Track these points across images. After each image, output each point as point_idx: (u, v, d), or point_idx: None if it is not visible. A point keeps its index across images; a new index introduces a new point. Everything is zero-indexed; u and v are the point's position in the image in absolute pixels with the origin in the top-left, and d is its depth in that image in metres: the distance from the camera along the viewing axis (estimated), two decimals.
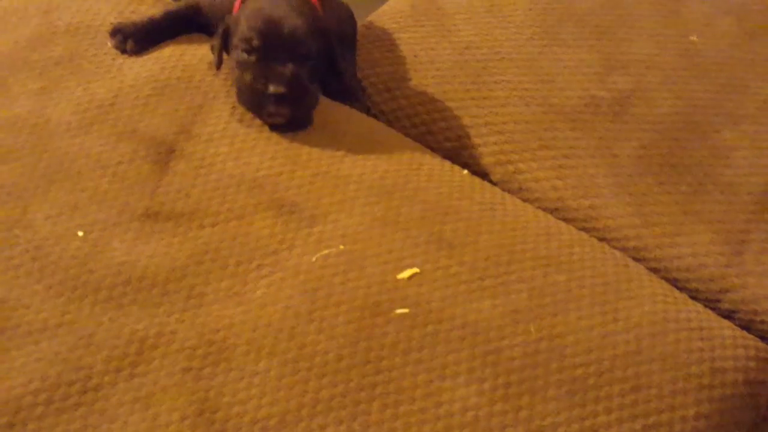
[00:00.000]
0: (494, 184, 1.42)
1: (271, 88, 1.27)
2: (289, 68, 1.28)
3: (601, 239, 1.35)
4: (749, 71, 1.59)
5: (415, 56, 1.55)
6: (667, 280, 1.31)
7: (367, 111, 1.51)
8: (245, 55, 1.30)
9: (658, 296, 1.22)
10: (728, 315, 1.30)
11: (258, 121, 1.32)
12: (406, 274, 1.17)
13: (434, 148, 1.46)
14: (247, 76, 1.29)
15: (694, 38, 1.63)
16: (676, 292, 1.27)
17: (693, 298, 1.29)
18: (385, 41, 1.58)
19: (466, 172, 1.38)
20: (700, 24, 1.67)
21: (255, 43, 1.28)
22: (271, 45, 1.28)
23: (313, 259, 1.16)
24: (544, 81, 1.52)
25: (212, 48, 1.37)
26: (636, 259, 1.33)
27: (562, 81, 1.52)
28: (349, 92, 1.47)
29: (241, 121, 1.32)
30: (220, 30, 1.35)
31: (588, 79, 1.53)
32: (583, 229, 1.37)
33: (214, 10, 1.45)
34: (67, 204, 1.18)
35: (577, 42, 1.58)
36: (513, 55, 1.55)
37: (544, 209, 1.38)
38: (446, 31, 1.58)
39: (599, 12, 1.63)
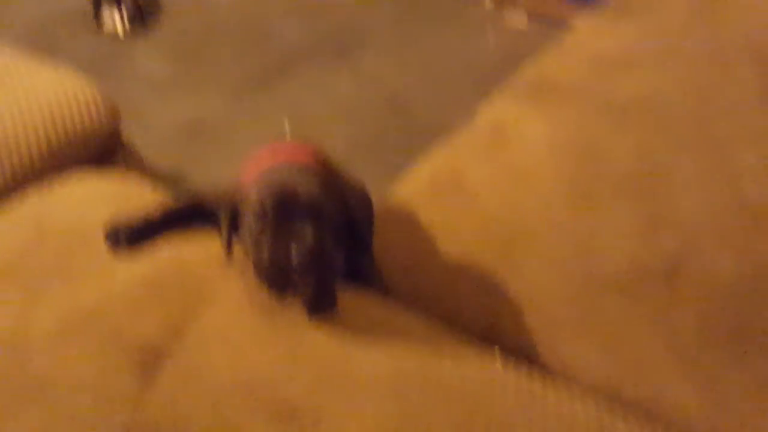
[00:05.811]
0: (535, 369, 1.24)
1: (293, 251, 1.11)
2: (309, 229, 1.13)
3: None
4: None
5: (435, 234, 1.41)
6: None
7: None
8: (260, 224, 1.16)
9: None
10: None
11: (257, 321, 1.18)
12: None
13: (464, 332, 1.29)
14: (264, 246, 1.14)
15: (748, 186, 1.46)
16: None
17: None
18: (402, 221, 1.45)
19: (498, 355, 1.21)
20: (755, 169, 1.50)
21: (269, 209, 1.15)
22: (287, 209, 1.15)
23: None
24: (581, 249, 1.36)
25: (221, 234, 1.25)
26: None
27: (601, 247, 1.36)
28: (365, 278, 1.34)
29: (239, 320, 1.18)
30: (228, 209, 1.23)
31: (630, 242, 1.36)
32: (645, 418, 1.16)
33: (221, 203, 1.29)
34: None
35: (614, 204, 1.43)
36: (543, 224, 1.40)
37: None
38: (468, 206, 1.45)
39: (635, 169, 1.48)
